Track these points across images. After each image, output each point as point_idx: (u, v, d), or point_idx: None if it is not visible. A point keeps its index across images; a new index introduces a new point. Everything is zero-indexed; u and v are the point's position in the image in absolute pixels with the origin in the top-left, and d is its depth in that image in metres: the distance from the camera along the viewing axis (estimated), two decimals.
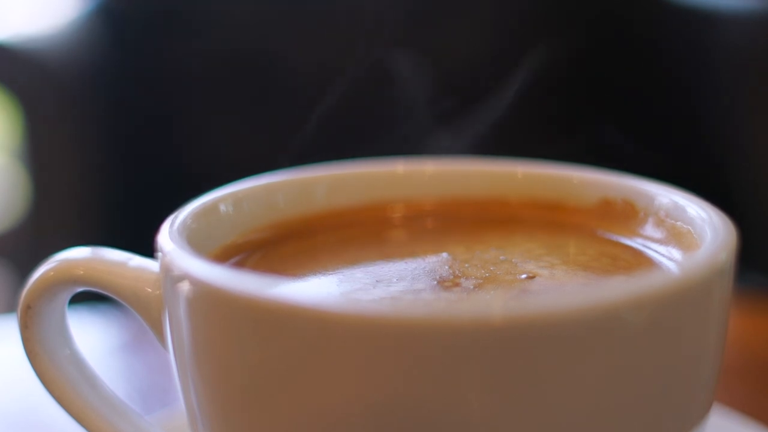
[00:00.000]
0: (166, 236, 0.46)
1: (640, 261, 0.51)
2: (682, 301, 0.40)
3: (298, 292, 0.47)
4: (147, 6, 1.60)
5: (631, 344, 0.38)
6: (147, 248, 0.49)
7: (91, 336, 0.89)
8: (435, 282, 0.48)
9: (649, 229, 0.54)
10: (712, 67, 1.48)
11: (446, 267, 0.50)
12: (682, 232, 0.51)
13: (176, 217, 0.49)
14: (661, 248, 0.52)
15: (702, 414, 0.44)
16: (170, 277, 0.43)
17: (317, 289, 0.48)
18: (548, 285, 0.47)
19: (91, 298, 0.55)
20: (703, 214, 0.48)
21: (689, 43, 1.51)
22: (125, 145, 1.57)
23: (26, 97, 1.49)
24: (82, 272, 0.49)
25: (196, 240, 0.48)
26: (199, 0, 1.61)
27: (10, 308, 1.10)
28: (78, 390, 0.50)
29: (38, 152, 1.53)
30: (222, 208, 0.54)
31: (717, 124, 1.48)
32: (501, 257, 0.51)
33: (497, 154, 0.63)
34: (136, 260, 0.49)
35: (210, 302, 0.41)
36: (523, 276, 0.48)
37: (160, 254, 0.45)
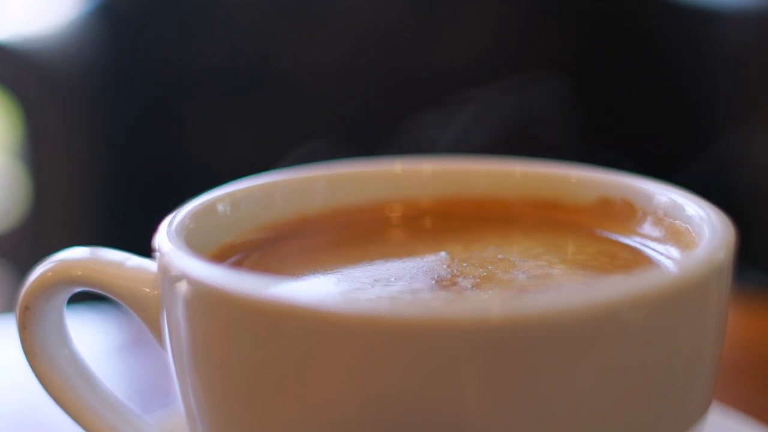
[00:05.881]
0: (164, 236, 0.46)
1: (638, 260, 0.51)
2: (680, 299, 0.40)
3: (296, 292, 0.47)
4: (147, 6, 1.60)
5: (630, 343, 0.38)
6: (145, 248, 0.48)
7: (89, 336, 0.89)
8: (433, 281, 0.48)
9: (648, 228, 0.54)
10: (711, 66, 1.48)
11: (444, 266, 0.50)
12: (681, 230, 0.51)
13: (174, 217, 0.49)
14: (660, 247, 0.52)
15: (701, 412, 0.44)
16: (168, 277, 0.43)
17: (315, 289, 0.48)
18: (546, 284, 0.47)
19: (90, 298, 0.55)
20: (702, 213, 0.48)
21: (689, 42, 1.51)
22: (124, 145, 1.57)
23: (26, 97, 1.49)
24: (80, 272, 0.49)
25: (194, 240, 0.47)
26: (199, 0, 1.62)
27: (9, 308, 1.10)
28: (76, 390, 0.50)
29: (38, 152, 1.53)
30: (220, 208, 0.54)
31: (716, 123, 1.48)
32: (499, 256, 0.51)
33: (496, 154, 0.63)
34: (134, 260, 0.49)
35: (208, 302, 0.41)
36: (522, 275, 0.48)
37: (158, 254, 0.45)
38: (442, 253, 0.52)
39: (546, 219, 0.58)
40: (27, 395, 0.72)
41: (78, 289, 0.50)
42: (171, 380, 0.46)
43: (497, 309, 0.36)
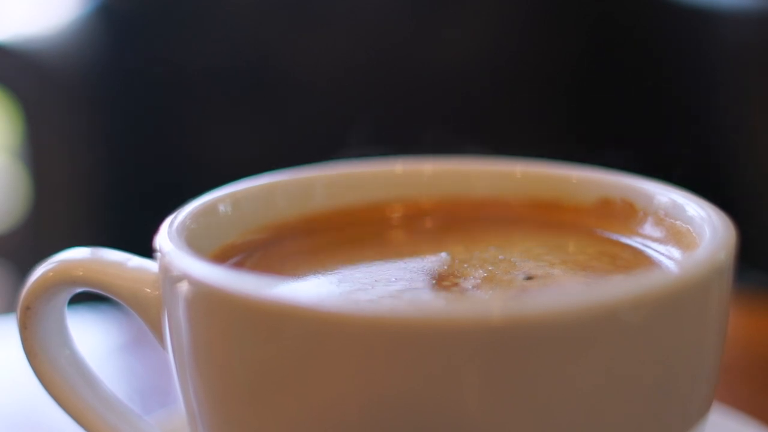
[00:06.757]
0: (165, 236, 0.46)
1: (639, 260, 0.51)
2: (681, 300, 0.40)
3: (297, 292, 0.47)
4: (147, 6, 1.60)
5: (630, 343, 0.38)
6: (146, 249, 0.49)
7: (90, 336, 0.89)
8: (434, 282, 0.48)
9: (649, 228, 0.54)
10: (711, 66, 1.48)
11: (445, 267, 0.50)
12: (682, 231, 0.51)
13: (175, 218, 0.49)
14: (661, 247, 0.52)
15: (702, 413, 0.44)
16: (169, 277, 0.43)
17: (316, 289, 0.48)
18: (547, 284, 0.47)
19: (91, 298, 0.55)
20: (702, 213, 0.48)
21: (688, 42, 1.51)
22: (125, 146, 1.57)
23: (26, 97, 1.49)
24: (81, 273, 0.49)
25: (195, 240, 0.48)
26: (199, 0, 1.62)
27: (10, 309, 1.10)
28: (77, 390, 0.51)
29: (38, 152, 1.53)
30: (221, 208, 0.54)
31: (716, 123, 1.48)
32: (500, 257, 0.51)
33: (497, 154, 0.63)
34: (135, 261, 0.49)
35: (209, 302, 0.41)
36: (522, 275, 0.48)
37: (159, 254, 0.45)
38: (443, 254, 0.52)
39: (547, 219, 0.58)
40: (27, 395, 0.72)
41: (79, 290, 0.50)
42: (171, 380, 0.46)
43: (498, 309, 0.36)
